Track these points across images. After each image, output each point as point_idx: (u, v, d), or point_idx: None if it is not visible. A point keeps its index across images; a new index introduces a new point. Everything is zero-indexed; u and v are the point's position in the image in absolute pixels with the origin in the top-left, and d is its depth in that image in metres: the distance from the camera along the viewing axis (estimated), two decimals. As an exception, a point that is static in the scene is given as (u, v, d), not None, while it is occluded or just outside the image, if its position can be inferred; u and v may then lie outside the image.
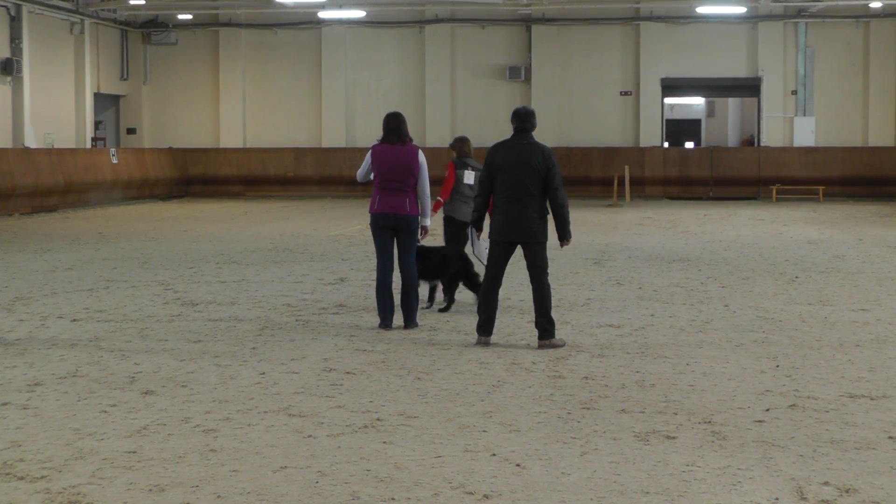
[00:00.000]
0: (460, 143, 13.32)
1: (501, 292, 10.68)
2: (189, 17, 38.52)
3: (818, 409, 7.89)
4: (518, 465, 6.56)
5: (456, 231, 13.11)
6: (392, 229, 11.34)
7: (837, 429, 7.37)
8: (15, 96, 32.45)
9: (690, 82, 38.11)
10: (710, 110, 45.71)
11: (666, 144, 38.84)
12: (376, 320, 11.59)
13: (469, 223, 12.45)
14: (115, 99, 39.55)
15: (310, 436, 7.20)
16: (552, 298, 10.47)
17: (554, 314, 10.50)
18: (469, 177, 12.99)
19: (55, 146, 33.67)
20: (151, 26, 39.28)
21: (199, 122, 39.65)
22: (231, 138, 39.19)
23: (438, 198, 13.08)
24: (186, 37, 39.55)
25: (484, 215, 10.68)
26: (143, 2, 35.28)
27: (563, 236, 10.43)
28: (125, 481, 6.25)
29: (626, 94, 37.95)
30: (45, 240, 21.72)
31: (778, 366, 9.45)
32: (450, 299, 12.52)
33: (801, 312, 12.40)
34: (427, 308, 12.54)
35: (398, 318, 11.49)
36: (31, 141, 32.53)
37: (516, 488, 6.12)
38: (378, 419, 7.62)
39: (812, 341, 10.64)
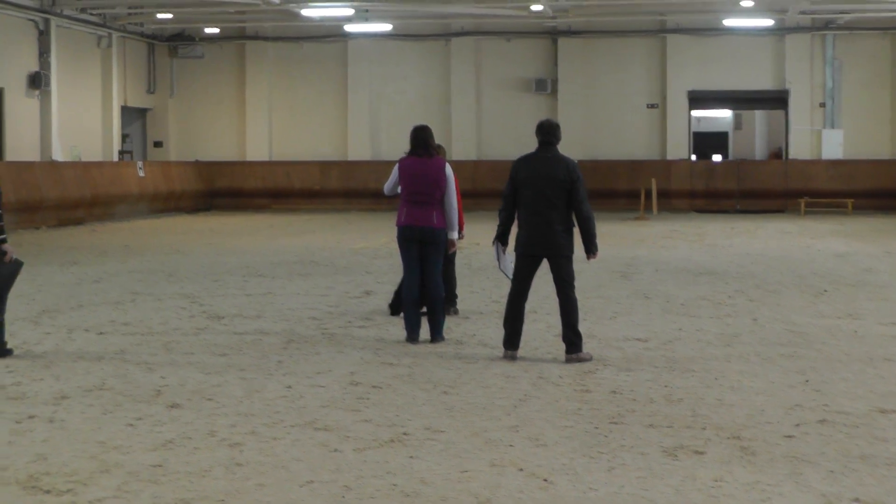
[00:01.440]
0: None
1: (527, 305, 10.65)
2: (216, 30, 38.70)
3: (848, 425, 7.83)
4: (545, 479, 6.52)
5: None
6: (419, 242, 11.32)
7: (868, 444, 7.30)
8: (43, 110, 32.64)
9: (717, 95, 38.01)
10: (738, 123, 45.58)
11: (693, 157, 38.75)
12: (402, 333, 11.57)
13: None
14: (142, 112, 39.75)
15: (336, 450, 7.19)
16: (579, 312, 10.43)
17: (581, 328, 10.46)
18: None
19: (82, 159, 33.86)
20: (178, 40, 39.48)
21: (224, 135, 39.80)
22: (257, 151, 39.32)
23: None
24: (213, 50, 39.72)
25: (509, 230, 10.66)
26: (171, 16, 35.49)
27: (590, 250, 10.39)
28: (151, 495, 6.25)
29: (652, 106, 37.89)
30: (72, 252, 21.82)
31: (807, 380, 9.38)
32: None
33: (829, 326, 12.32)
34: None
35: (424, 332, 11.46)
36: (58, 154, 32.72)
37: (543, 503, 6.08)
38: (404, 433, 7.60)
39: (841, 355, 10.56)
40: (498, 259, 10.83)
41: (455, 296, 13.34)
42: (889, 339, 11.50)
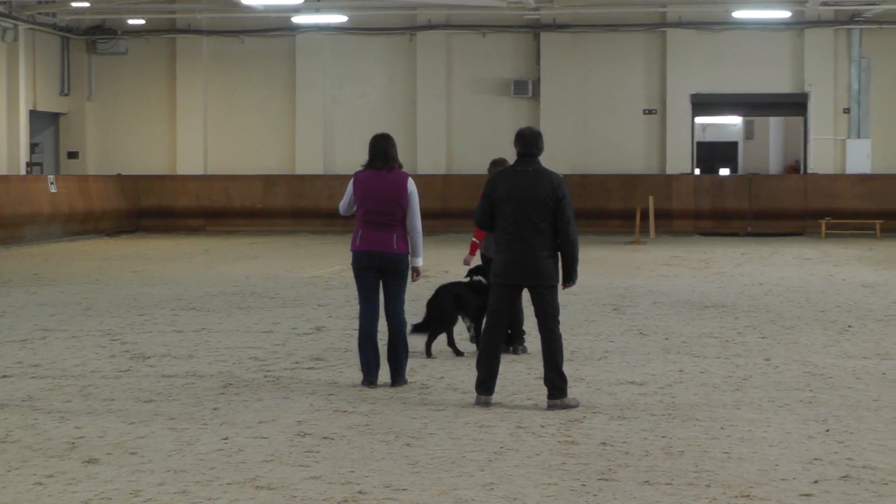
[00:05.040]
0: (493, 168, 13.61)
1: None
2: (141, 22, 38.65)
3: (875, 482, 7.89)
4: (524, 546, 6.55)
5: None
6: (377, 270, 11.34)
7: (897, 504, 7.38)
8: (-63, 115, 32.56)
9: (725, 99, 38.23)
10: (749, 131, 45.86)
11: (697, 171, 38.94)
12: (359, 376, 11.58)
13: None
14: (55, 117, 39.65)
15: (280, 512, 7.20)
16: (564, 351, 10.47)
17: (566, 369, 10.51)
18: None
19: (-16, 173, 33.75)
20: (97, 33, 39.42)
21: (152, 144, 39.72)
22: (190, 164, 39.26)
23: (474, 239, 13.60)
24: (138, 45, 39.68)
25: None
26: (88, 4, 35.38)
27: (569, 277, 10.46)
28: (64, 565, 6.24)
29: (650, 112, 38.07)
30: (-28, 282, 21.74)
31: (828, 430, 9.45)
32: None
33: (855, 368, 12.41)
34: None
35: (384, 374, 11.48)
36: (-45, 167, 32.61)
37: (522, 573, 6.12)
38: (360, 492, 7.62)
39: (868, 401, 10.64)
40: None
41: (523, 332, 13.32)
42: (923, 382, 11.61)
